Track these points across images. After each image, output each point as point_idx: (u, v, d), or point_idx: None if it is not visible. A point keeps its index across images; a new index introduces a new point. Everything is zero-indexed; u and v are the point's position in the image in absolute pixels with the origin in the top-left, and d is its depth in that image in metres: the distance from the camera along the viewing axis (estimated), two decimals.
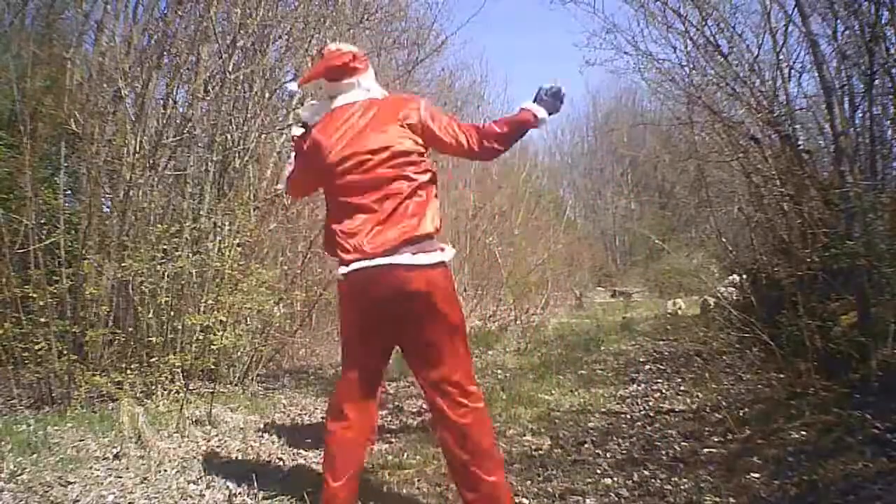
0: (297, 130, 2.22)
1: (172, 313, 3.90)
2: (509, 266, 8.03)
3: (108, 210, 4.43)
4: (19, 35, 4.98)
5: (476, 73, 16.76)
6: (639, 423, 3.28)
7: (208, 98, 4.86)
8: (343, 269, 1.88)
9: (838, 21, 3.47)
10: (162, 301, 3.87)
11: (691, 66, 4.44)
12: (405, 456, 2.86)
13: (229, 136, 4.84)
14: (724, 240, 5.46)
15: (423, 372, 1.97)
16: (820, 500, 2.07)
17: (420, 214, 1.88)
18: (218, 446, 3.05)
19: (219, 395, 3.83)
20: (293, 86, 2.18)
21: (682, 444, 2.86)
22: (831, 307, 3.61)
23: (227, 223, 4.51)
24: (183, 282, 4.13)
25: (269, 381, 4.74)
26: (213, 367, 3.91)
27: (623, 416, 3.48)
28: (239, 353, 4.47)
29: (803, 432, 2.70)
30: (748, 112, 4.09)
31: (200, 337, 3.79)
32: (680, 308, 8.65)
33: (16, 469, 2.50)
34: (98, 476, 2.55)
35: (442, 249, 1.92)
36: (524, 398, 3.87)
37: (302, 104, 5.43)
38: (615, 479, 2.48)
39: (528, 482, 2.46)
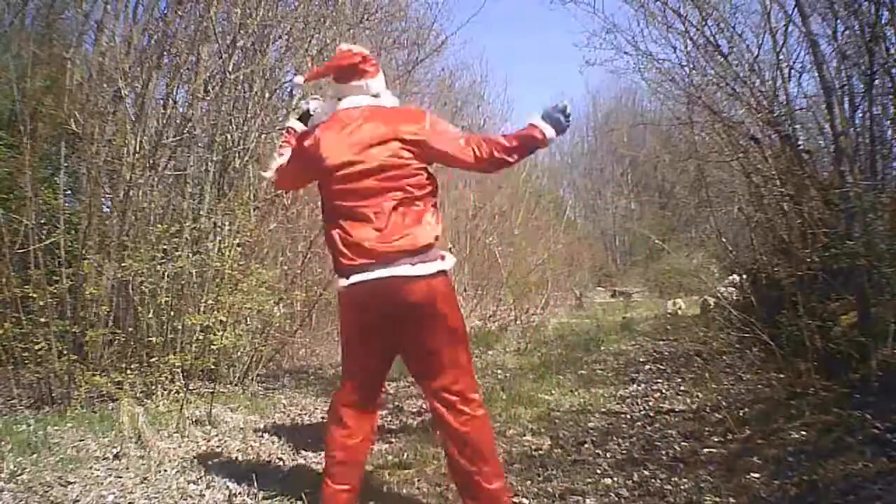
0: (296, 123, 2.21)
1: (172, 313, 3.90)
2: (509, 266, 8.03)
3: (108, 210, 4.43)
4: (19, 35, 4.98)
5: (476, 73, 16.72)
6: (639, 423, 3.28)
7: (208, 98, 4.86)
8: (343, 282, 1.87)
9: (838, 21, 3.47)
10: (162, 301, 3.88)
11: (691, 66, 4.44)
12: (405, 456, 2.86)
13: (229, 136, 4.84)
14: (724, 240, 5.46)
15: (425, 381, 1.99)
16: (820, 500, 2.07)
17: (418, 226, 1.87)
18: (218, 446, 3.05)
19: (219, 395, 3.83)
20: (299, 79, 2.17)
21: (682, 444, 2.86)
22: (831, 307, 3.61)
23: (227, 223, 4.51)
24: (183, 282, 4.13)
25: (269, 381, 4.74)
26: (213, 367, 3.91)
27: (623, 416, 3.48)
28: (239, 353, 4.48)
29: (803, 432, 2.70)
30: (748, 112, 4.09)
31: (200, 337, 3.79)
32: (680, 308, 8.65)
33: (16, 469, 2.50)
34: (98, 476, 2.55)
35: (442, 258, 1.91)
36: (524, 398, 3.87)
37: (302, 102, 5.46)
38: (615, 479, 2.48)
39: (528, 482, 2.46)
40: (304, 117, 2.23)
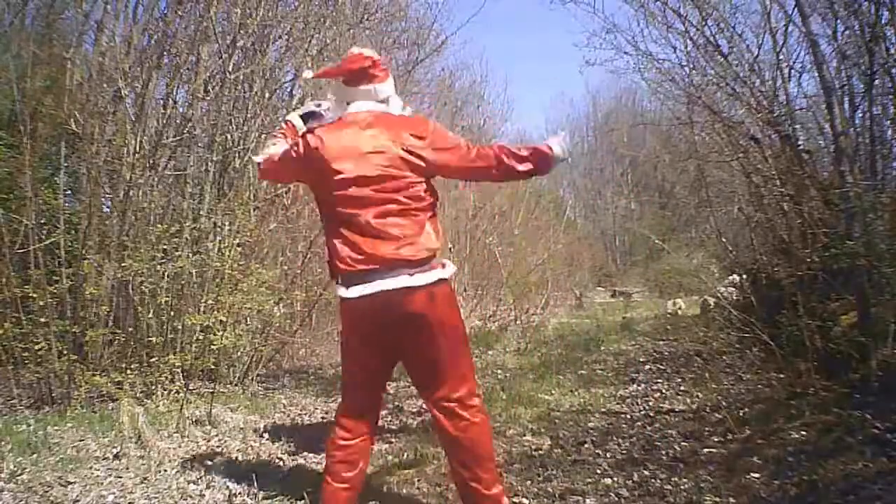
0: (296, 119, 2.21)
1: (172, 313, 3.90)
2: (509, 266, 8.03)
3: (108, 210, 4.43)
4: (19, 35, 4.98)
5: (476, 73, 16.75)
6: (639, 423, 3.28)
7: (208, 98, 4.86)
8: (342, 292, 1.87)
9: (838, 21, 3.47)
10: (162, 301, 3.88)
11: (691, 66, 4.44)
12: (405, 456, 2.86)
13: (229, 136, 4.84)
14: (724, 240, 5.46)
15: (425, 389, 2.00)
16: (820, 500, 2.07)
17: (417, 236, 1.85)
18: (218, 446, 3.05)
19: (219, 395, 3.83)
20: (308, 73, 2.17)
21: (682, 444, 2.86)
22: (831, 307, 3.61)
23: (227, 223, 4.51)
24: (183, 282, 4.13)
25: (269, 381, 4.74)
26: (213, 367, 3.91)
27: (623, 416, 3.48)
28: (239, 353, 4.48)
29: (803, 432, 2.69)
30: (748, 112, 4.09)
31: (200, 337, 3.79)
32: (680, 308, 8.65)
33: (16, 469, 2.51)
34: (98, 476, 2.55)
35: (443, 265, 1.90)
36: (524, 398, 3.87)
37: (302, 103, 5.46)
38: (615, 479, 2.48)
39: (528, 482, 2.46)
40: (307, 116, 2.21)
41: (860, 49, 3.31)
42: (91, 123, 4.30)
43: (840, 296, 3.58)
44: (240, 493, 2.39)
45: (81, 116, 4.28)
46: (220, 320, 3.62)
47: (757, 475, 2.35)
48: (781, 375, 3.51)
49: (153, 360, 3.76)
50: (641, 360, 5.26)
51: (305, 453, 2.96)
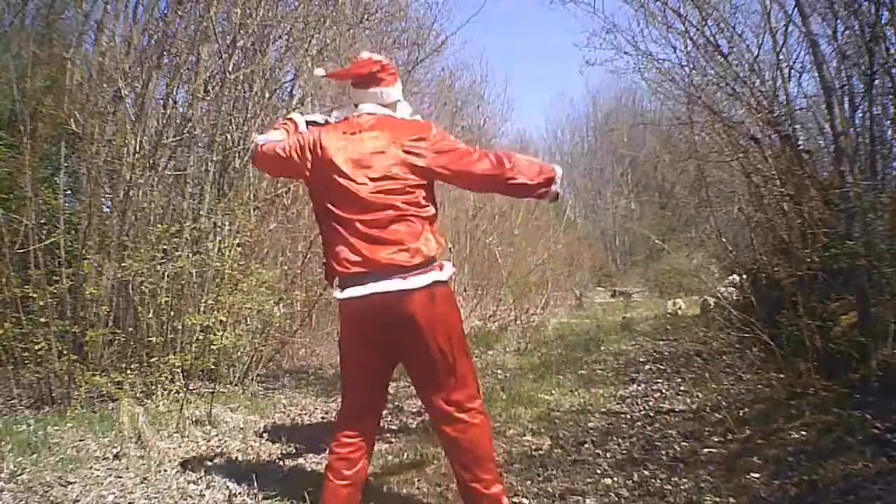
0: (298, 117, 2.21)
1: (172, 313, 3.90)
2: (509, 266, 8.03)
3: (108, 210, 4.43)
4: (19, 35, 4.98)
5: (476, 73, 16.79)
6: (639, 423, 3.28)
7: (208, 98, 4.86)
8: (337, 293, 1.88)
9: (838, 21, 3.48)
10: (162, 301, 3.88)
11: (691, 66, 4.44)
12: (405, 456, 2.86)
13: (229, 136, 4.84)
14: (724, 240, 5.46)
15: (423, 390, 2.01)
16: (820, 500, 2.07)
17: (413, 240, 1.84)
18: (218, 446, 3.05)
19: (219, 395, 3.83)
20: (320, 71, 2.19)
21: (682, 444, 2.86)
22: (831, 307, 3.61)
23: (227, 223, 4.51)
24: (183, 282, 4.13)
25: (269, 381, 4.74)
26: (213, 367, 3.91)
27: (623, 416, 3.48)
28: (239, 353, 4.48)
29: (803, 432, 2.69)
30: (748, 112, 4.09)
31: (200, 337, 3.79)
32: (680, 308, 8.65)
33: (16, 469, 2.51)
34: (98, 476, 2.55)
35: (440, 268, 1.88)
36: (524, 398, 3.87)
37: (302, 103, 5.47)
38: (615, 479, 2.48)
39: (528, 482, 2.46)
40: (311, 123, 2.21)
41: (860, 49, 3.31)
42: (91, 123, 4.30)
43: (840, 296, 3.58)
44: (240, 493, 2.39)
45: (81, 116, 4.28)
46: (220, 320, 3.62)
47: (757, 475, 2.35)
48: (781, 375, 3.51)
49: (153, 360, 3.75)
50: (641, 360, 5.25)
51: (305, 453, 2.95)
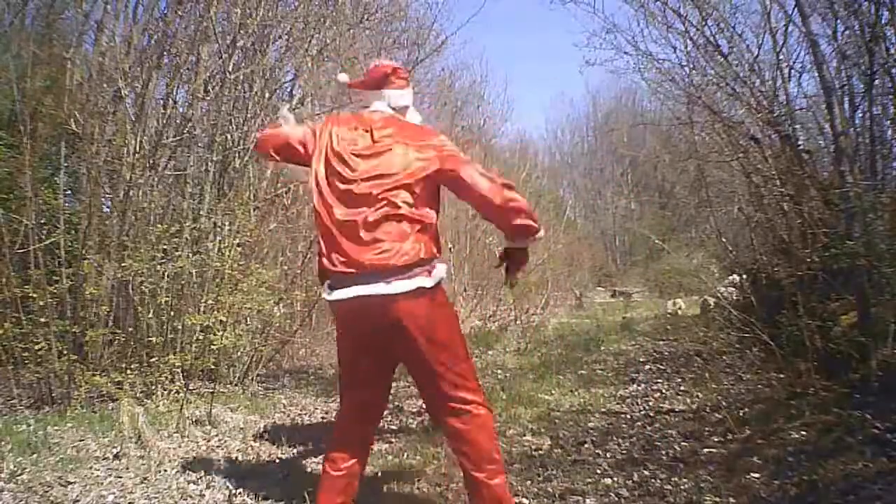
0: (288, 115, 2.22)
1: (172, 313, 3.90)
2: None
3: (108, 210, 4.43)
4: (19, 35, 4.98)
5: (476, 73, 16.76)
6: (639, 423, 3.28)
7: (208, 98, 4.86)
8: (325, 294, 1.88)
9: (838, 21, 3.48)
10: (162, 301, 3.87)
11: (691, 66, 4.44)
12: (405, 456, 2.86)
13: (229, 136, 4.84)
14: (724, 240, 5.46)
15: (423, 391, 2.01)
16: (820, 500, 2.07)
17: (400, 242, 1.81)
18: (218, 446, 3.05)
19: (219, 395, 3.83)
20: (344, 77, 2.21)
21: (682, 444, 2.86)
22: (831, 307, 3.61)
23: (227, 223, 4.51)
24: (183, 282, 4.13)
25: (269, 381, 4.74)
26: (213, 367, 3.91)
27: (623, 416, 3.48)
28: (239, 353, 4.48)
29: (803, 432, 2.70)
30: (748, 112, 4.09)
31: (200, 337, 3.79)
32: (680, 308, 8.65)
33: (16, 469, 2.50)
34: (98, 476, 2.55)
35: (428, 273, 1.84)
36: (524, 398, 3.87)
37: (302, 103, 5.47)
38: (615, 479, 2.48)
39: (528, 482, 2.46)
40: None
41: (860, 49, 3.31)
42: (91, 123, 4.29)
43: (840, 296, 3.58)
44: (240, 493, 2.38)
45: (81, 116, 4.28)
46: (220, 320, 3.62)
47: (757, 475, 2.35)
48: (781, 375, 3.51)
49: (153, 360, 3.75)
50: (641, 360, 5.25)
51: (305, 453, 2.96)
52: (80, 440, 2.97)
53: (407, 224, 1.84)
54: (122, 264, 3.85)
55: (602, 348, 6.02)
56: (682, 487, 2.33)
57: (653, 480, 2.44)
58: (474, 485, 1.91)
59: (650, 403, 3.74)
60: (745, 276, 4.99)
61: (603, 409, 3.64)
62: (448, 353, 1.89)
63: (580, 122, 28.17)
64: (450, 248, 6.86)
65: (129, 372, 3.70)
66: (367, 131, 1.95)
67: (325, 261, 1.87)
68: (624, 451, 2.83)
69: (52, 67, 4.84)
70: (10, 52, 4.68)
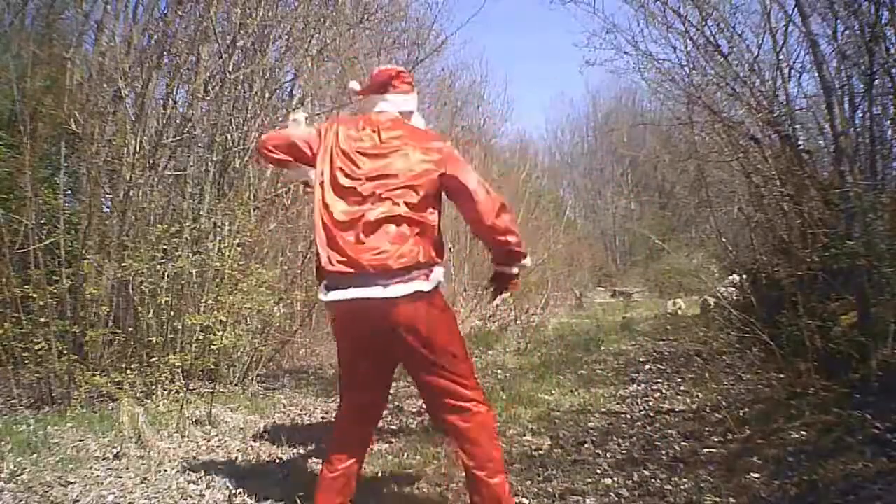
0: (300, 116, 2.22)
1: (172, 313, 3.90)
2: None
3: (108, 210, 4.43)
4: (19, 35, 4.98)
5: (476, 73, 16.74)
6: (639, 423, 3.28)
7: (208, 98, 4.86)
8: (321, 295, 1.87)
9: (838, 21, 3.48)
10: (162, 301, 3.87)
11: (691, 66, 4.44)
12: (405, 456, 2.86)
13: (229, 136, 4.84)
14: (724, 240, 5.46)
15: (422, 390, 2.02)
16: (820, 500, 2.07)
17: (399, 245, 1.80)
18: (218, 446, 3.05)
19: (219, 395, 3.83)
20: (355, 85, 2.22)
21: (682, 444, 2.86)
22: (831, 307, 3.61)
23: (227, 223, 4.51)
24: (183, 282, 4.13)
25: (269, 381, 4.74)
26: (213, 367, 3.91)
27: (623, 416, 3.48)
28: (239, 353, 4.48)
29: (803, 432, 2.70)
30: (748, 112, 4.09)
31: (200, 337, 3.79)
32: (680, 308, 8.65)
33: (16, 469, 2.50)
34: (98, 476, 2.55)
35: (426, 276, 1.83)
36: (524, 398, 3.87)
37: (302, 103, 5.47)
38: (615, 479, 2.48)
39: (528, 482, 2.46)
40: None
41: (860, 49, 3.31)
42: (91, 123, 4.29)
43: (840, 296, 3.58)
44: (240, 493, 2.38)
45: (81, 116, 4.28)
46: (220, 320, 3.62)
47: (757, 475, 2.35)
48: (781, 375, 3.51)
49: (153, 360, 3.75)
50: (641, 360, 5.26)
51: (305, 453, 2.96)
52: (80, 440, 2.97)
53: (407, 226, 1.84)
54: (122, 264, 3.85)
55: (602, 348, 6.02)
56: (682, 487, 2.33)
57: (653, 480, 2.44)
58: (475, 483, 1.91)
59: (650, 403, 3.74)
60: (745, 276, 4.99)
61: (603, 409, 3.64)
62: (447, 355, 1.89)
63: (580, 122, 28.21)
64: (450, 249, 6.86)
65: (129, 372, 3.70)
66: (374, 131, 1.95)
67: (322, 261, 1.86)
68: (624, 451, 2.83)
69: (52, 67, 4.84)
70: (10, 52, 4.68)
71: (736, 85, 4.00)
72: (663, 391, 4.02)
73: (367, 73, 2.63)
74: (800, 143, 3.88)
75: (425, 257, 1.84)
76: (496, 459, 1.93)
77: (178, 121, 4.77)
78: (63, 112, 4.30)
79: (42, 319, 3.55)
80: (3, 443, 2.76)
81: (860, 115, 3.44)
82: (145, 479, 2.51)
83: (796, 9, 3.66)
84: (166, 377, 3.73)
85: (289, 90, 5.80)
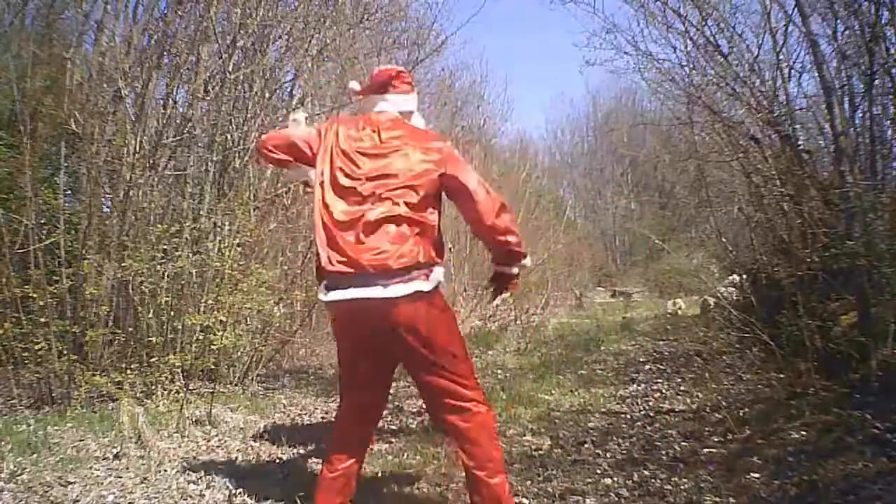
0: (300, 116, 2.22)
1: (172, 313, 3.90)
2: None
3: (108, 210, 4.43)
4: (19, 35, 4.98)
5: (476, 73, 16.75)
6: (639, 423, 3.28)
7: (208, 98, 4.86)
8: (321, 295, 1.87)
9: (838, 21, 3.48)
10: (162, 301, 3.88)
11: (691, 66, 4.44)
12: (405, 456, 2.86)
13: (229, 136, 4.84)
14: (724, 240, 5.46)
15: (422, 390, 2.02)
16: (820, 500, 2.07)
17: (399, 245, 1.80)
18: (218, 446, 3.05)
19: (219, 395, 3.83)
20: (355, 85, 2.22)
21: (682, 444, 2.86)
22: (831, 307, 3.61)
23: (227, 223, 4.51)
24: (183, 282, 4.13)
25: (269, 381, 4.74)
26: (213, 367, 3.91)
27: (623, 416, 3.48)
28: (239, 353, 4.48)
29: (803, 432, 2.70)
30: (748, 112, 4.09)
31: (200, 337, 3.79)
32: (680, 308, 8.65)
33: (16, 469, 2.50)
34: (98, 476, 2.55)
35: (426, 276, 1.82)
36: (524, 398, 3.87)
37: (302, 103, 5.47)
38: (615, 479, 2.48)
39: (528, 482, 2.46)
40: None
41: (860, 49, 3.31)
42: (91, 123, 4.29)
43: (840, 296, 3.58)
44: (240, 493, 2.38)
45: (81, 116, 4.28)
46: (220, 320, 3.62)
47: (757, 475, 2.35)
48: (781, 375, 3.51)
49: (153, 360, 3.75)
50: (641, 360, 5.26)
51: (305, 453, 2.96)
52: (80, 440, 2.97)
53: (407, 226, 1.84)
54: (122, 264, 3.85)
55: (602, 348, 6.02)
56: (682, 487, 2.33)
57: (653, 480, 2.44)
58: (475, 483, 1.91)
59: (650, 403, 3.74)
60: (745, 276, 4.99)
61: (603, 409, 3.64)
62: (447, 355, 1.89)
63: (580, 122, 28.21)
64: (450, 249, 6.86)
65: (129, 372, 3.70)
66: (374, 131, 1.95)
67: (321, 261, 1.86)
68: (624, 451, 2.83)
69: (52, 67, 4.84)
70: (10, 52, 4.68)
71: (736, 85, 4.00)
72: (663, 391, 4.02)
73: (367, 73, 2.63)
74: (800, 143, 3.88)
75: (425, 257, 1.83)
76: (496, 459, 1.93)
77: (178, 121, 4.77)
78: (63, 112, 4.30)
79: (42, 319, 3.55)
80: (3, 443, 2.76)
81: (860, 115, 3.44)
82: (145, 479, 2.51)
83: (796, 9, 3.67)
84: (166, 377, 3.73)
85: (289, 90, 5.81)
